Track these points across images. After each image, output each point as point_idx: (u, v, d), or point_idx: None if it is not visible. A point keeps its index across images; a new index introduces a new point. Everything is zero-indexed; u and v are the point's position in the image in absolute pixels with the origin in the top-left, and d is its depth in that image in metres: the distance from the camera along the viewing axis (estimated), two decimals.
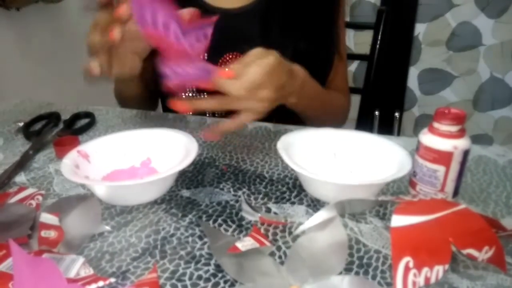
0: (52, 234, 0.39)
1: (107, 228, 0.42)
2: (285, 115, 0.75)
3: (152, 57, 0.64)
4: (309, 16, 0.71)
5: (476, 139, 1.63)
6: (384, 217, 0.44)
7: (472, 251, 0.34)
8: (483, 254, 0.34)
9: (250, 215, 0.44)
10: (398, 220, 0.35)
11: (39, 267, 0.32)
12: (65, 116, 0.71)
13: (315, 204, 0.46)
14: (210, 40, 0.52)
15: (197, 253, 0.39)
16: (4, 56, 1.15)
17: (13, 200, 0.46)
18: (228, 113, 0.70)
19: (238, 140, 0.62)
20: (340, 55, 0.78)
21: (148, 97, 0.78)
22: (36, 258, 0.34)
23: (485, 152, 0.58)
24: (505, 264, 0.35)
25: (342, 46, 0.80)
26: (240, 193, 0.49)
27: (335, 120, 0.80)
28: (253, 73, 0.49)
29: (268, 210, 0.46)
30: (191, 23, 0.50)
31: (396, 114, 1.61)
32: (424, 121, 1.67)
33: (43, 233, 0.39)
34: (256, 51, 0.51)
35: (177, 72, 0.49)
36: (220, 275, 0.36)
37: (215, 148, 0.60)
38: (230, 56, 0.72)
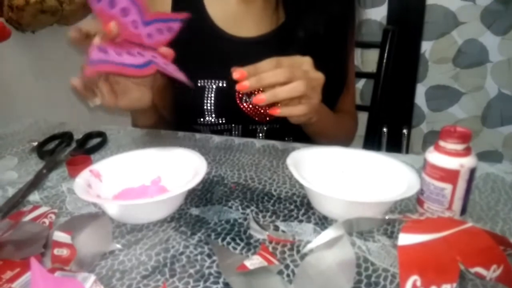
0: (64, 252, 0.40)
1: (118, 246, 0.43)
2: (298, 135, 0.76)
3: (169, 89, 0.64)
4: (324, 46, 0.72)
5: (486, 155, 1.62)
6: (392, 235, 0.44)
7: (480, 270, 0.34)
8: (491, 273, 0.34)
9: (258, 233, 0.45)
10: (405, 239, 0.35)
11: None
12: (78, 135, 0.73)
13: (323, 222, 0.47)
14: (174, 34, 0.55)
15: (206, 272, 0.40)
16: (20, 78, 1.18)
17: (27, 218, 0.47)
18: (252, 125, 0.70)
19: (246, 158, 0.63)
20: (348, 86, 0.81)
21: (164, 122, 0.79)
22: (63, 279, 0.35)
23: (492, 170, 0.57)
24: None
25: (351, 77, 0.83)
26: (248, 211, 0.49)
27: (343, 142, 0.82)
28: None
29: (276, 228, 0.46)
30: (157, 15, 0.54)
31: (404, 131, 1.61)
32: (432, 138, 1.67)
33: (56, 251, 0.40)
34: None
35: (107, 60, 0.49)
36: None
37: (224, 167, 0.61)
38: None
